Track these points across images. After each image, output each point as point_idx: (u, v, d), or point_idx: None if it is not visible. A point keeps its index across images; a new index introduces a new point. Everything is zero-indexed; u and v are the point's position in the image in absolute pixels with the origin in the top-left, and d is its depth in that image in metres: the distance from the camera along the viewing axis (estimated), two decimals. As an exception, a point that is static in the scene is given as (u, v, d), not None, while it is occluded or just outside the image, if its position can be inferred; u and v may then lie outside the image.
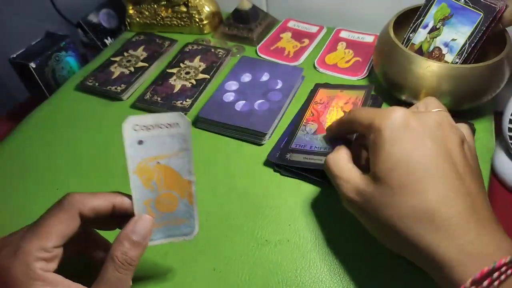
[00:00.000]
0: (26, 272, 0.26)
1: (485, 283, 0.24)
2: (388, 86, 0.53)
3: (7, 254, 0.27)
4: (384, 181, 0.29)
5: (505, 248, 0.26)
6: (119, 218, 0.31)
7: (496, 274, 0.24)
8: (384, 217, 0.29)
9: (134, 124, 0.28)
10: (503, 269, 0.24)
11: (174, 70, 0.61)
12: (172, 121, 0.29)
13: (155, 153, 0.29)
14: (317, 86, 0.56)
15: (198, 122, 0.53)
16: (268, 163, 0.47)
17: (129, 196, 0.30)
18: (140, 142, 0.29)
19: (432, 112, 0.33)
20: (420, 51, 0.52)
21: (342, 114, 0.51)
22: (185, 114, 0.55)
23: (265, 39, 0.67)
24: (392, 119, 0.30)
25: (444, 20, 0.50)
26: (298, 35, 0.68)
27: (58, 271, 0.29)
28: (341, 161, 0.34)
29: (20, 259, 0.27)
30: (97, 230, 0.35)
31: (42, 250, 0.27)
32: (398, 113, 0.30)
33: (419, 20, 0.52)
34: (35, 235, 0.28)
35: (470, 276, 0.24)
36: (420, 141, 0.29)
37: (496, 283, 0.24)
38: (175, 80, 0.59)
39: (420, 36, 0.52)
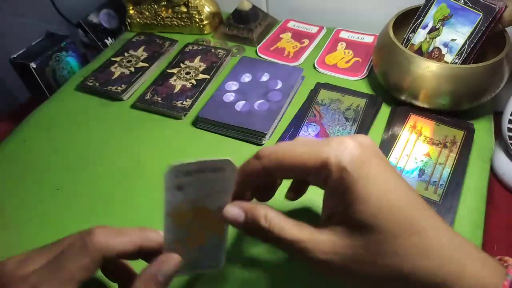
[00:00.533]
0: None
1: None
2: (388, 86, 0.53)
3: None
4: (374, 227, 0.24)
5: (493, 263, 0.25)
6: (145, 254, 0.29)
7: None
8: (387, 265, 0.24)
9: (177, 172, 0.26)
10: None
11: (175, 70, 0.61)
12: (219, 166, 0.27)
13: (193, 197, 0.27)
14: (319, 86, 0.56)
15: (198, 122, 0.53)
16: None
17: (155, 232, 0.29)
18: (180, 188, 0.27)
19: (353, 136, 0.28)
20: (419, 52, 0.52)
21: (344, 119, 0.51)
22: (185, 114, 0.55)
23: (265, 40, 0.67)
24: (352, 151, 0.25)
25: (444, 20, 0.50)
26: (298, 36, 0.68)
27: None
28: (283, 221, 0.27)
29: None
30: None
31: None
32: (349, 143, 0.26)
33: (419, 21, 0.52)
34: (54, 279, 0.25)
35: None
36: (384, 172, 0.26)
37: None
38: (175, 80, 0.59)
39: (419, 37, 0.52)
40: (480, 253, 0.25)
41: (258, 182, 0.30)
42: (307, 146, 0.27)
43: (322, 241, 0.26)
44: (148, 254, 0.29)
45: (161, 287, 0.27)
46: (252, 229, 0.28)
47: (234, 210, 0.28)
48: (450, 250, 0.24)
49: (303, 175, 0.27)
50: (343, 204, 0.25)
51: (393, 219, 0.24)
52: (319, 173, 0.26)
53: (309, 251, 0.26)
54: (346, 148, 0.26)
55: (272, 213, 0.27)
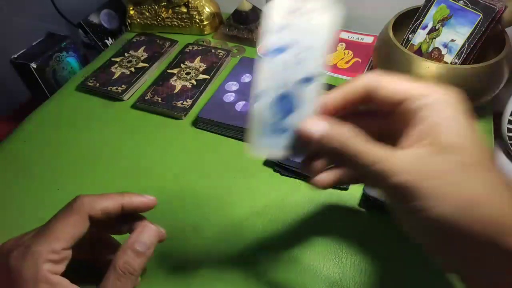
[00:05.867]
0: (34, 273, 0.27)
1: None
2: (388, 86, 0.53)
3: (17, 255, 0.28)
4: (468, 149, 0.24)
5: None
6: (130, 219, 0.31)
7: None
8: (470, 187, 0.23)
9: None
10: None
11: (175, 71, 0.61)
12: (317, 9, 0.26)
13: (291, 42, 0.26)
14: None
15: (199, 122, 0.53)
16: (268, 163, 0.48)
17: (136, 195, 0.31)
18: (283, 28, 0.26)
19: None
20: (419, 52, 0.52)
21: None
22: (186, 114, 0.55)
23: (265, 40, 0.67)
24: (451, 94, 0.27)
25: (443, 21, 0.50)
26: (298, 36, 0.68)
27: (68, 273, 0.29)
28: (361, 138, 0.25)
29: (30, 260, 0.27)
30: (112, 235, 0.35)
31: (51, 252, 0.27)
32: (450, 91, 0.28)
33: (419, 21, 0.52)
34: (45, 237, 0.28)
35: None
36: (467, 118, 0.27)
37: None
38: (175, 80, 0.59)
39: (419, 37, 0.52)
40: None
41: (354, 104, 0.28)
42: (410, 80, 0.28)
43: (406, 155, 0.24)
44: (132, 218, 0.30)
45: (140, 257, 0.29)
46: (335, 141, 0.25)
47: (315, 121, 0.26)
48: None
49: (400, 101, 0.27)
50: (437, 128, 0.25)
51: (481, 149, 0.25)
52: (419, 100, 0.26)
53: (389, 161, 0.24)
54: (446, 90, 0.27)
55: (355, 129, 0.26)
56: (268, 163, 0.48)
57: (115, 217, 0.31)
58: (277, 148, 0.27)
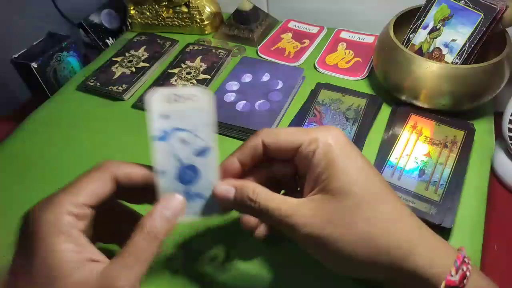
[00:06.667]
0: (55, 224, 0.26)
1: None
2: (388, 86, 0.53)
3: (40, 206, 0.27)
4: (351, 193, 0.28)
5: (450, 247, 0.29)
6: (151, 193, 0.31)
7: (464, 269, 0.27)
8: (360, 228, 0.27)
9: (162, 97, 0.29)
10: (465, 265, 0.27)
11: (175, 71, 0.61)
12: (194, 93, 0.30)
13: (179, 126, 0.30)
14: (319, 87, 0.56)
15: (199, 122, 0.53)
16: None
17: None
18: (166, 117, 0.29)
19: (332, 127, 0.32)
20: (420, 52, 0.52)
21: (344, 120, 0.51)
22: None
23: (265, 40, 0.67)
24: (337, 135, 0.30)
25: (444, 20, 0.50)
26: (298, 36, 0.68)
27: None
28: (270, 194, 0.30)
29: (51, 211, 0.27)
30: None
31: (73, 204, 0.27)
32: (336, 129, 0.30)
33: (419, 21, 0.52)
34: (68, 190, 0.28)
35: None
36: (360, 155, 0.30)
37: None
38: (176, 80, 0.59)
39: (420, 37, 0.52)
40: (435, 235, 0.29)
41: (257, 158, 0.32)
42: (299, 128, 0.32)
43: (304, 207, 0.29)
44: (153, 197, 0.30)
45: (166, 223, 0.29)
46: (241, 203, 0.30)
47: (223, 186, 0.31)
48: (412, 221, 0.29)
49: (293, 150, 0.31)
50: (325, 174, 0.28)
51: (368, 188, 0.28)
52: (307, 148, 0.30)
53: (292, 216, 0.28)
54: (333, 132, 0.30)
55: (259, 188, 0.30)
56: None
57: (138, 188, 0.31)
58: (193, 213, 0.31)
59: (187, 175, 0.31)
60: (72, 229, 0.27)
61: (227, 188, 0.31)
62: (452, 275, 0.27)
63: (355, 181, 0.28)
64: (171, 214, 0.29)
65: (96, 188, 0.29)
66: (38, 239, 0.26)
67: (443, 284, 0.26)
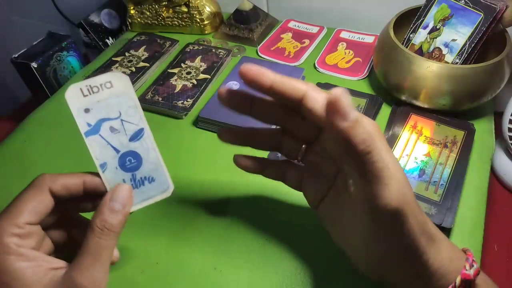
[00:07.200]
0: (0, 248, 0.27)
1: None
2: (388, 86, 0.53)
3: None
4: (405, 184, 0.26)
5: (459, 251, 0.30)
6: (93, 198, 0.31)
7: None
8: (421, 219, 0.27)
9: (75, 92, 0.29)
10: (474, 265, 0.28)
11: (175, 70, 0.61)
12: (109, 80, 0.29)
13: (104, 116, 0.30)
14: (319, 86, 0.56)
15: (199, 122, 0.53)
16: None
17: (99, 175, 0.31)
18: (87, 110, 0.29)
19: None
20: (420, 52, 0.52)
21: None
22: (186, 114, 0.55)
23: (265, 40, 0.67)
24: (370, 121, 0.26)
25: (444, 20, 0.50)
26: (298, 36, 0.68)
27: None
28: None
29: None
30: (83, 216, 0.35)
31: (14, 226, 0.27)
32: (375, 124, 0.26)
33: (419, 21, 0.52)
34: (7, 213, 0.28)
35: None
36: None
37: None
38: (176, 80, 0.59)
39: (420, 37, 0.52)
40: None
41: (289, 102, 0.29)
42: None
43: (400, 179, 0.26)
44: (98, 198, 0.30)
45: (117, 215, 0.29)
46: (359, 135, 0.25)
47: (348, 102, 0.25)
48: (427, 219, 0.28)
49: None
50: (379, 185, 0.25)
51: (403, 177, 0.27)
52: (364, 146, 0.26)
53: (383, 191, 0.25)
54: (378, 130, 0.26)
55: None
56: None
57: (80, 196, 0.31)
58: (146, 198, 0.31)
59: (128, 162, 0.30)
60: (19, 248, 0.27)
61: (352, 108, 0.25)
62: (467, 269, 0.28)
63: (407, 191, 0.27)
64: (120, 205, 0.29)
65: (34, 206, 0.29)
66: None
67: (458, 278, 0.27)
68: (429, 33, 0.51)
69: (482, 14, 0.47)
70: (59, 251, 0.32)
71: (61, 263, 0.28)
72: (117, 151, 0.30)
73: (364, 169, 0.25)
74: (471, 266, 0.28)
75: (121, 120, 0.30)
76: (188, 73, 0.60)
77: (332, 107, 0.25)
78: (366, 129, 0.25)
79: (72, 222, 0.34)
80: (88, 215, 0.34)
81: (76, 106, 0.29)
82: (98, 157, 0.30)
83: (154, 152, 0.31)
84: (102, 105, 0.29)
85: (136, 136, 0.30)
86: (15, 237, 0.27)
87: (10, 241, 0.27)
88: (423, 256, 0.27)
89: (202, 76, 0.60)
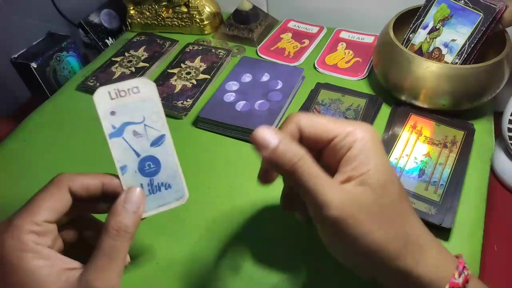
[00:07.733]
0: (18, 245, 0.27)
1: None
2: (388, 86, 0.53)
3: (1, 230, 0.28)
4: (391, 191, 0.28)
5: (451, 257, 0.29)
6: (109, 200, 0.31)
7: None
8: (398, 224, 0.28)
9: (103, 95, 0.30)
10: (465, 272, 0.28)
11: (175, 70, 0.61)
12: (136, 85, 0.30)
13: (129, 120, 0.30)
14: (319, 86, 0.56)
15: (199, 122, 0.53)
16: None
17: (118, 177, 0.31)
18: (113, 113, 0.30)
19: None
20: (420, 52, 0.52)
21: (344, 119, 0.51)
22: (186, 114, 0.55)
23: (265, 40, 0.67)
24: (374, 131, 0.29)
25: (444, 20, 0.50)
26: (298, 36, 0.68)
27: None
28: (315, 164, 0.28)
29: (12, 233, 0.27)
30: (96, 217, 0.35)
31: (32, 223, 0.27)
32: (370, 126, 0.30)
33: (419, 21, 0.52)
34: (26, 210, 0.28)
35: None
36: (384, 153, 0.30)
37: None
38: (176, 80, 0.59)
39: (420, 37, 0.52)
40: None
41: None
42: (332, 119, 0.30)
43: (341, 190, 0.27)
44: (113, 199, 0.30)
45: (131, 216, 0.29)
46: (282, 156, 0.27)
47: (266, 132, 0.27)
48: (420, 223, 0.29)
49: (328, 140, 0.30)
50: (365, 168, 0.28)
51: (400, 188, 0.29)
52: (343, 140, 0.29)
53: (327, 194, 0.27)
54: (368, 127, 0.29)
55: (303, 150, 0.28)
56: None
57: (97, 197, 0.31)
58: (162, 204, 0.32)
59: (147, 166, 0.31)
60: (36, 246, 0.27)
61: (272, 136, 0.27)
62: (455, 278, 0.28)
63: (392, 180, 0.28)
64: (134, 207, 0.29)
65: (53, 204, 0.29)
66: (8, 264, 0.26)
67: (447, 287, 0.27)
68: (429, 33, 0.51)
69: (482, 14, 0.47)
70: (68, 252, 0.32)
71: (75, 263, 0.28)
72: (137, 155, 0.30)
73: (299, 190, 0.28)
74: (461, 274, 0.28)
75: (145, 125, 0.30)
76: (188, 73, 0.60)
77: (253, 143, 0.27)
78: (288, 152, 0.27)
79: (83, 223, 0.34)
80: (98, 216, 0.34)
81: (103, 108, 0.30)
82: (119, 159, 0.30)
83: (173, 159, 0.31)
84: (127, 109, 0.30)
85: (158, 141, 0.31)
86: (33, 234, 0.27)
87: (28, 239, 0.27)
88: (396, 262, 0.27)
89: (202, 76, 0.60)
